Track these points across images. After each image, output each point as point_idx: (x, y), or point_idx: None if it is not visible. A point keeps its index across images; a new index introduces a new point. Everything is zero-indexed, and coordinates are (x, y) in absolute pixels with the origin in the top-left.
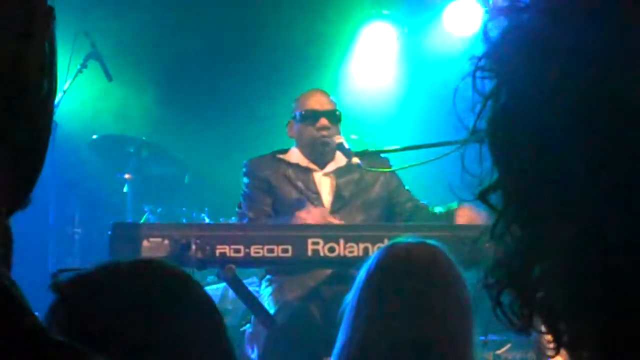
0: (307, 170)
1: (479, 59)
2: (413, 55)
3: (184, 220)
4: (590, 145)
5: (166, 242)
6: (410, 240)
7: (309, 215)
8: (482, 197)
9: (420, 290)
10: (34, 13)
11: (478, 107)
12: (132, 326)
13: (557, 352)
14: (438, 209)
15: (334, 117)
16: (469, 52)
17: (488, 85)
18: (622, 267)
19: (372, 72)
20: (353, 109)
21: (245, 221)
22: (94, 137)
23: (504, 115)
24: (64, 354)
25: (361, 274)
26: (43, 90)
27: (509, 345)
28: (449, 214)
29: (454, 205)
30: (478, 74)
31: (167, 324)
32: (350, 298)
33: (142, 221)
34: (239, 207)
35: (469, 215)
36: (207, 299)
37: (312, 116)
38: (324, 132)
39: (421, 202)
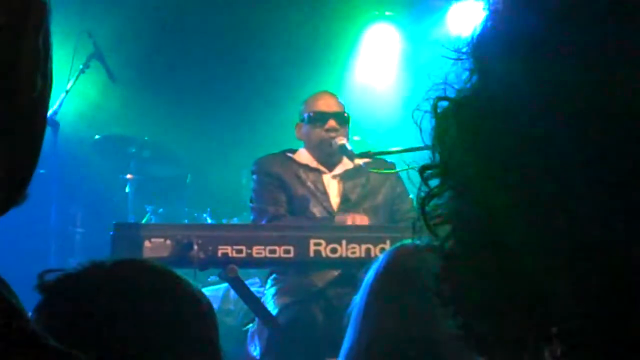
0: (317, 171)
1: (465, 45)
2: (416, 56)
3: (185, 221)
4: (583, 143)
5: (168, 242)
6: (418, 242)
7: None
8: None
9: (428, 293)
10: (28, 9)
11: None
12: (118, 325)
13: None
14: None
15: (342, 119)
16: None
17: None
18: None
19: (375, 74)
20: (356, 111)
21: (265, 217)
22: (96, 137)
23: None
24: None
25: (369, 275)
26: (37, 87)
27: None
28: None
29: None
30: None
31: (152, 322)
32: (358, 299)
33: (144, 221)
34: (251, 201)
35: None
36: (194, 297)
37: (320, 118)
38: (332, 134)
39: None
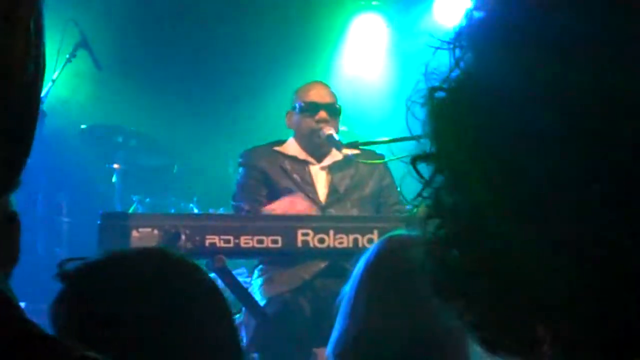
0: (304, 163)
1: (456, 33)
2: (403, 46)
3: (172, 210)
4: (582, 144)
5: (155, 232)
6: (409, 233)
7: (278, 205)
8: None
9: (419, 285)
10: None
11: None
12: (142, 312)
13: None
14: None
15: (333, 110)
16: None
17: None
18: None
19: (362, 64)
20: (343, 101)
21: (243, 214)
22: (83, 126)
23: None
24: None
25: (359, 266)
26: (29, 73)
27: None
28: None
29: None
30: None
31: (177, 310)
32: (348, 289)
33: (130, 211)
34: (234, 199)
35: None
36: (214, 285)
37: (311, 108)
38: (322, 125)
39: (406, 207)
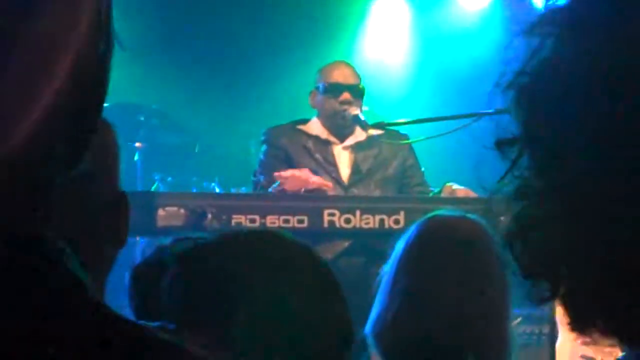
0: (327, 143)
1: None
2: (425, 28)
3: (194, 189)
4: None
5: (182, 211)
6: (451, 213)
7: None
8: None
9: (461, 266)
10: None
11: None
12: (255, 294)
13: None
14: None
15: (357, 91)
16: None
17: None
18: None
19: (384, 45)
20: (366, 81)
21: (258, 188)
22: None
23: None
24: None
25: (399, 246)
26: (99, 50)
27: (519, 319)
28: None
29: (448, 184)
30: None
31: (288, 294)
32: (388, 269)
33: (152, 189)
34: (254, 175)
35: (464, 191)
36: (328, 271)
37: (335, 89)
38: (346, 106)
39: (429, 188)
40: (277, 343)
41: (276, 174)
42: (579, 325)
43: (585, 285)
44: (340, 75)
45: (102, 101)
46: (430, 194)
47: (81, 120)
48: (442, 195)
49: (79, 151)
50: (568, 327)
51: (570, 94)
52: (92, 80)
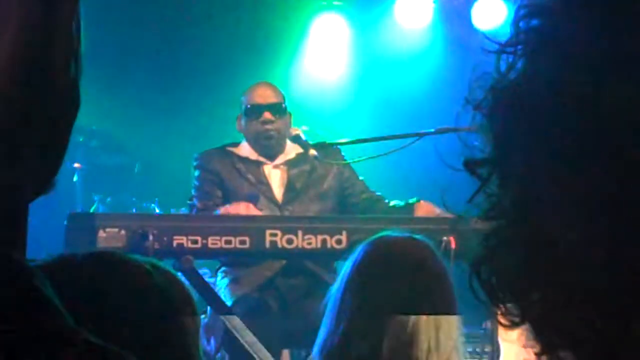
0: (257, 163)
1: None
2: (365, 47)
3: (133, 210)
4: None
5: (123, 232)
6: (398, 234)
7: (233, 208)
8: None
9: (408, 286)
10: None
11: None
12: (88, 317)
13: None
14: (395, 203)
15: (278, 109)
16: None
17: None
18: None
19: (324, 63)
20: (305, 100)
21: (194, 212)
22: None
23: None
24: (98, 355)
25: (347, 266)
26: (71, 70)
27: (461, 338)
28: (408, 208)
29: (414, 200)
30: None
31: (123, 317)
32: (335, 290)
33: (91, 211)
34: (190, 199)
35: (428, 209)
36: (170, 293)
37: (255, 110)
38: (268, 126)
39: (376, 193)
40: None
41: (222, 209)
42: (547, 353)
43: (553, 313)
44: (259, 96)
45: (73, 122)
46: (384, 202)
47: (53, 140)
48: (418, 210)
49: (50, 176)
50: (535, 356)
51: (540, 114)
52: (66, 100)
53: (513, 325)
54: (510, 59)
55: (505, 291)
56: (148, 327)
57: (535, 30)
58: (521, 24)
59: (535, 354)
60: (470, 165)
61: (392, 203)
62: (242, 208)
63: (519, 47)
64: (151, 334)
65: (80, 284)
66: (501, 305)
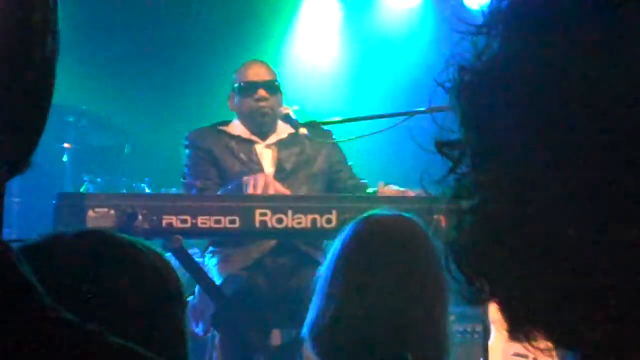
0: (249, 142)
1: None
2: (356, 27)
3: (124, 191)
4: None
5: (112, 212)
6: (387, 213)
7: (254, 180)
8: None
9: (398, 265)
10: None
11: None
12: (78, 296)
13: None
14: (373, 190)
15: (272, 87)
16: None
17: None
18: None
19: (314, 42)
20: (296, 80)
21: (193, 191)
22: None
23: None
24: (76, 333)
25: (336, 245)
26: (48, 46)
27: (453, 317)
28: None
29: (378, 183)
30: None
31: (117, 295)
32: (324, 269)
33: (82, 191)
34: (184, 178)
35: (394, 192)
36: (158, 271)
37: (250, 88)
38: (262, 104)
39: (362, 180)
40: None
41: (245, 178)
42: (515, 331)
43: (521, 292)
44: (253, 74)
45: (49, 98)
46: (366, 190)
47: (27, 116)
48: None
49: (25, 154)
50: (506, 333)
51: (514, 94)
52: (42, 75)
53: (482, 302)
54: (485, 40)
55: (475, 269)
56: (142, 305)
57: (511, 11)
58: (495, 4)
59: (506, 330)
60: (442, 147)
61: (370, 190)
62: (260, 179)
63: (494, 28)
64: (144, 311)
65: (72, 263)
66: (471, 283)
